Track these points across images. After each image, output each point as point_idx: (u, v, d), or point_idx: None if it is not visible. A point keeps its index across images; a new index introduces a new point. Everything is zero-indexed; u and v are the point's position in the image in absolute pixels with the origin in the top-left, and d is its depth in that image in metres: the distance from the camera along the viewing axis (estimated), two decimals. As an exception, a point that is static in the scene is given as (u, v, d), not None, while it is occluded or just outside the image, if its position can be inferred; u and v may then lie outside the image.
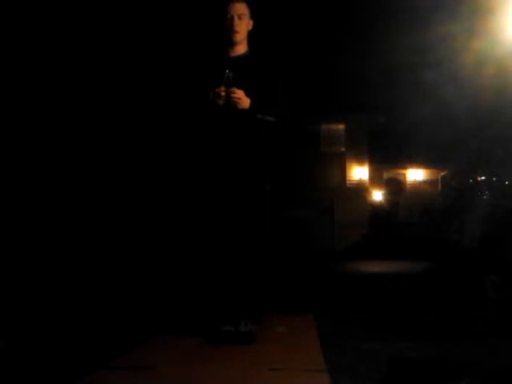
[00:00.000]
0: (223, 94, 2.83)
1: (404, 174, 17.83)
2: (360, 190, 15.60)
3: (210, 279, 2.94)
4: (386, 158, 16.41)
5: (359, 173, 15.71)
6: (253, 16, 3.05)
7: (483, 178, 6.59)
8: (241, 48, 3.03)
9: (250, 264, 2.90)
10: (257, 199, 2.96)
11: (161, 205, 6.21)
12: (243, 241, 2.89)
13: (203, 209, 2.99)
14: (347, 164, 15.60)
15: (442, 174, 14.75)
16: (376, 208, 16.39)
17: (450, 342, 2.97)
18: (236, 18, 2.94)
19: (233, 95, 2.82)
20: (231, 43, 3.00)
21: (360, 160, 15.66)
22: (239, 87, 2.84)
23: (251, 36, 3.08)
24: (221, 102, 2.85)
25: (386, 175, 17.74)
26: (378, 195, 17.32)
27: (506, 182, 6.24)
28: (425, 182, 17.23)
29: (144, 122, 6.78)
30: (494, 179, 6.39)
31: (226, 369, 2.38)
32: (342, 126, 15.51)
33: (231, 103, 2.85)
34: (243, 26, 2.97)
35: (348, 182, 15.59)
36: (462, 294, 4.44)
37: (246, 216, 2.91)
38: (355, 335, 3.16)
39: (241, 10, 2.96)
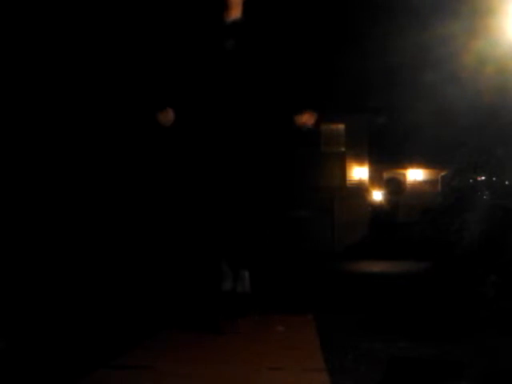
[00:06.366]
0: None
1: (404, 174, 17.79)
2: (360, 189, 15.58)
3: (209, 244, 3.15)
4: (385, 158, 16.37)
5: (359, 173, 15.70)
6: (254, 18, 3.03)
7: (483, 178, 6.58)
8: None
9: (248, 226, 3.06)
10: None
11: (159, 203, 6.19)
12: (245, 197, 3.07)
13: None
14: (347, 164, 15.59)
15: (442, 173, 14.73)
16: (376, 208, 16.36)
17: (450, 341, 2.97)
18: None
19: None
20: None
21: (360, 160, 15.64)
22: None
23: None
24: None
25: (385, 175, 17.70)
26: (377, 195, 17.28)
27: (506, 182, 6.23)
28: (425, 182, 17.19)
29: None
30: (494, 179, 6.38)
31: (226, 368, 2.38)
32: (341, 126, 15.48)
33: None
34: None
35: (348, 181, 15.57)
36: (461, 294, 4.43)
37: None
38: (355, 335, 3.16)
39: None
